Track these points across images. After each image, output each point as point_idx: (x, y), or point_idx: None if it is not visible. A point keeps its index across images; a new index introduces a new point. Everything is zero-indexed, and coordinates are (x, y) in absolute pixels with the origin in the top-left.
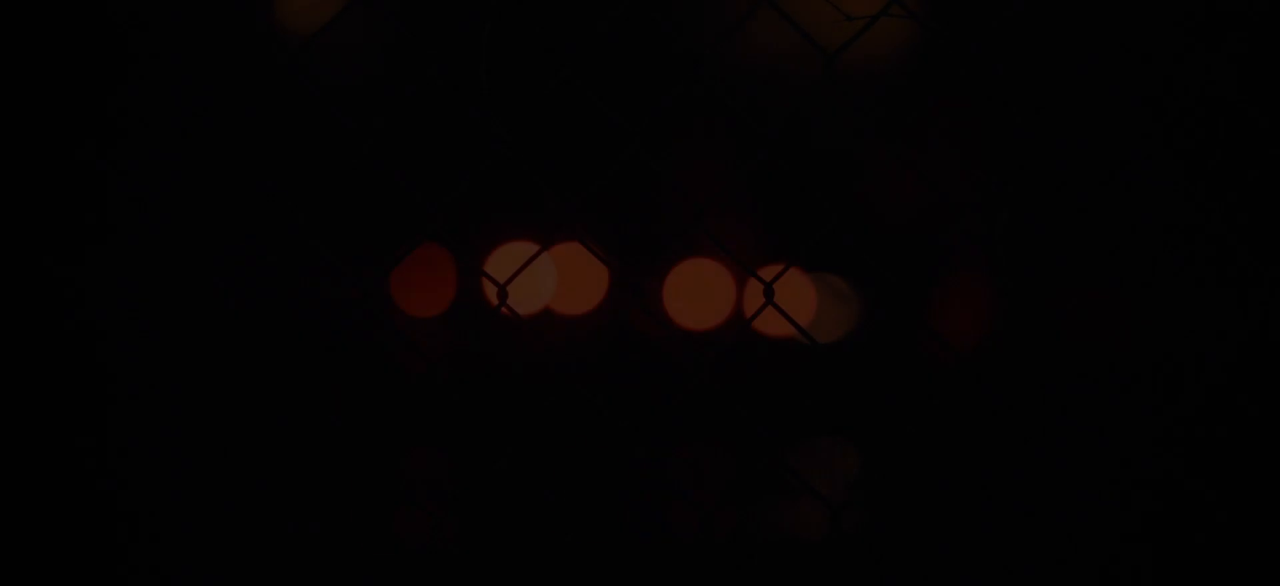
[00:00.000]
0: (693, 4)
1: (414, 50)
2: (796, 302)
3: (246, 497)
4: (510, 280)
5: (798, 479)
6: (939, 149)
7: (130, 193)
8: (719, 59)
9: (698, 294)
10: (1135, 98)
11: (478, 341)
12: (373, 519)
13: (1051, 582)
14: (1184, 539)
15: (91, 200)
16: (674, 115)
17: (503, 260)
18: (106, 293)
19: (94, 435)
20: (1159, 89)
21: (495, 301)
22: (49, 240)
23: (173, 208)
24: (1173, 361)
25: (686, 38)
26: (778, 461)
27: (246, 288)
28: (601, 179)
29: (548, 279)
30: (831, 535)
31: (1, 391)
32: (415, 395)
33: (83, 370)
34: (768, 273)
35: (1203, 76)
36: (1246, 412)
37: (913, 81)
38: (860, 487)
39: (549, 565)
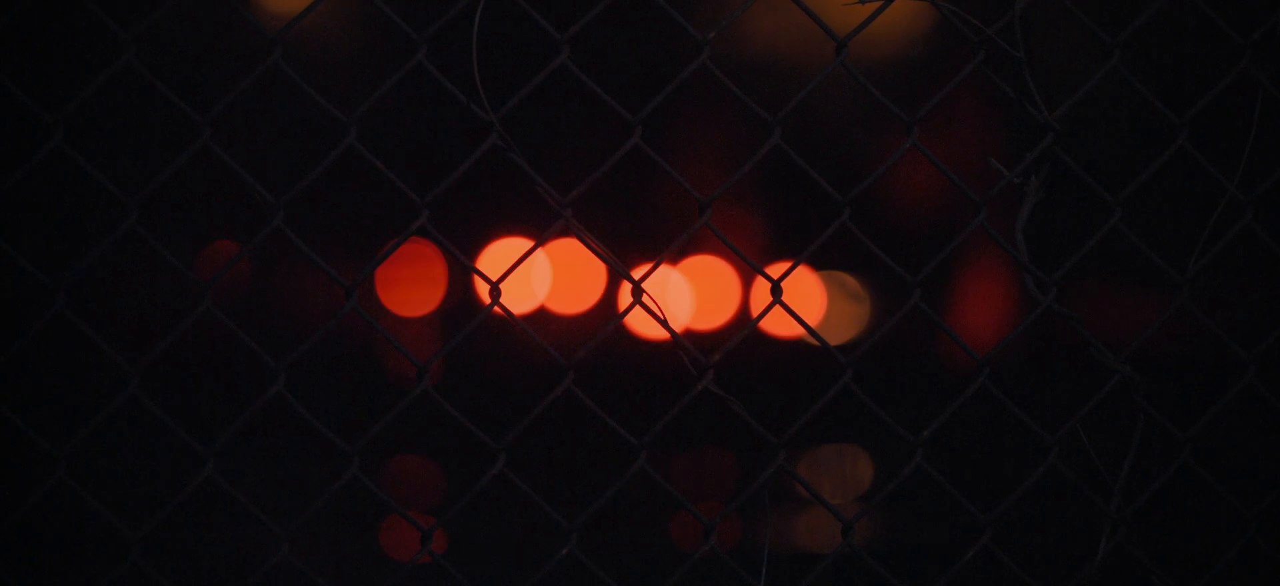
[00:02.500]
0: None
1: (400, 34)
2: (805, 301)
3: (228, 505)
4: (503, 277)
5: (807, 488)
6: (957, 139)
7: (102, 185)
8: (724, 44)
9: (701, 292)
10: (1166, 84)
11: (469, 342)
12: (362, 530)
13: None
14: (1218, 555)
15: (62, 194)
16: (677, 104)
17: (496, 257)
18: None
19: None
20: (1192, 75)
21: (487, 299)
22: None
23: (147, 201)
24: (1205, 363)
25: (690, 21)
26: (785, 469)
27: (226, 284)
28: (600, 171)
29: (543, 276)
30: (842, 548)
31: None
32: (403, 399)
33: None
34: (775, 270)
35: (1240, 64)
36: None
37: (929, 68)
38: (873, 497)
39: (546, 576)
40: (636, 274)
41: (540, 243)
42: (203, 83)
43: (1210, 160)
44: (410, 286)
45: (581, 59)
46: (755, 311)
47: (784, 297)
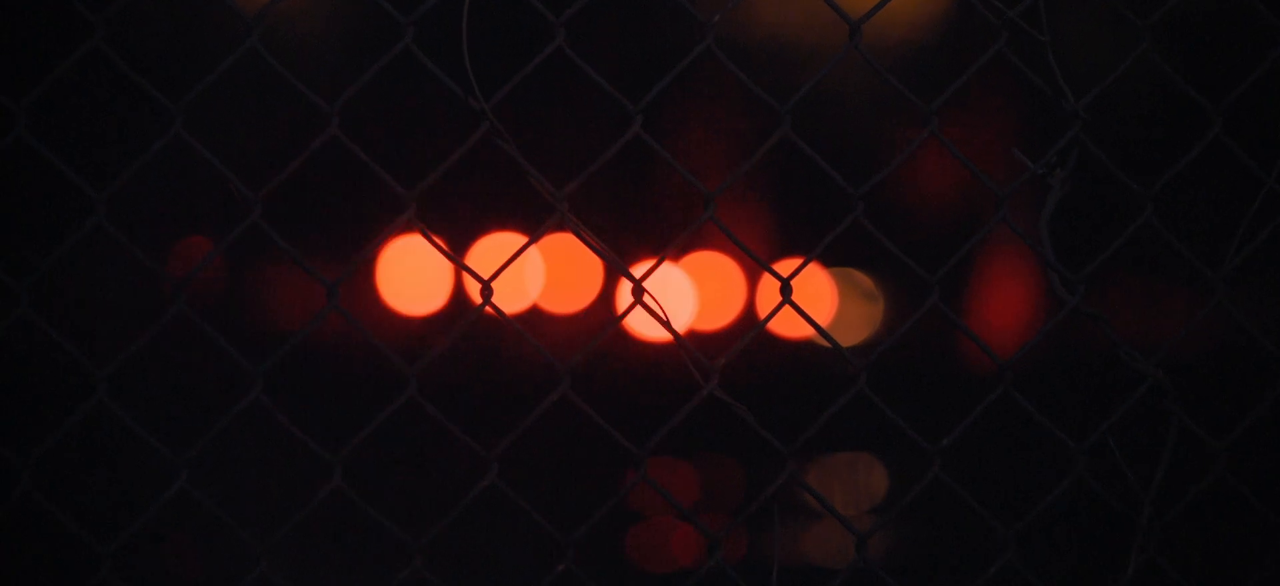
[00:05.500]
0: None
1: (386, 18)
2: (816, 301)
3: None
4: (496, 275)
5: (818, 499)
6: (978, 129)
7: (69, 178)
8: (730, 28)
9: (706, 291)
10: (1199, 70)
11: (461, 342)
12: (348, 540)
13: None
14: (1254, 570)
15: (33, 187)
16: (680, 92)
17: (487, 253)
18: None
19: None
20: (1225, 61)
21: (478, 299)
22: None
23: (121, 196)
24: (1241, 367)
25: (693, 4)
26: (795, 479)
27: (205, 282)
28: (598, 162)
29: (536, 273)
30: (856, 562)
31: None
32: (392, 402)
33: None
34: (784, 267)
35: (1279, 48)
36: None
37: (948, 53)
38: (888, 509)
39: None
40: (636, 271)
41: (535, 238)
42: (178, 70)
43: (1246, 151)
44: (415, 283)
45: (579, 44)
46: (763, 311)
47: (794, 297)
